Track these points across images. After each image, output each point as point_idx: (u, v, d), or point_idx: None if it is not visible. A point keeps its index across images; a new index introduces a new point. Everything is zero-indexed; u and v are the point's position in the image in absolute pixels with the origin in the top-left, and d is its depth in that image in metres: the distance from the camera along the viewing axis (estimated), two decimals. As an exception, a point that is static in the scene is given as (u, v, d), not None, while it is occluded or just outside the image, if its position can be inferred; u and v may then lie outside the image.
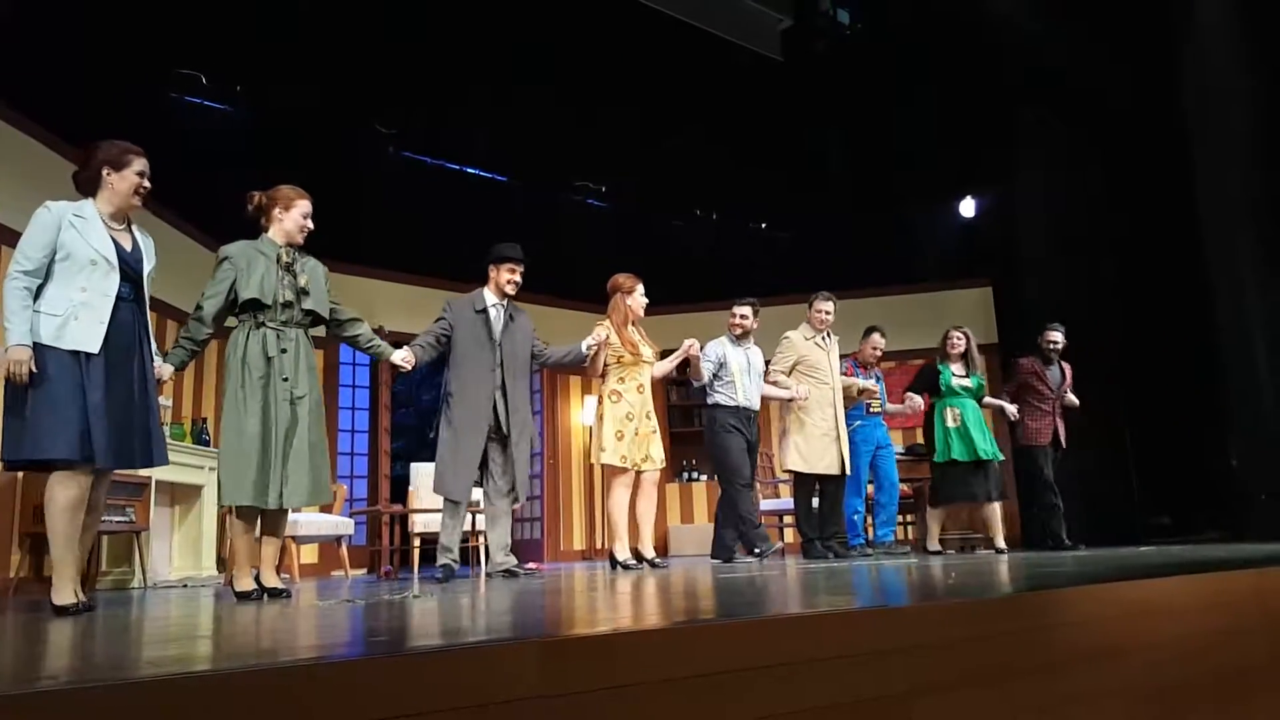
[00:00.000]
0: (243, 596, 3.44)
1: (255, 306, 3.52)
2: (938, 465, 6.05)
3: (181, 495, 6.08)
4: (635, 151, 8.46)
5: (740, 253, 9.64)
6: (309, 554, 7.34)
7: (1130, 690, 2.37)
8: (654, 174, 8.85)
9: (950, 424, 6.01)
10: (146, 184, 3.15)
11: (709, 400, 5.61)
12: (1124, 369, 7.34)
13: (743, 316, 5.70)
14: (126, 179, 3.10)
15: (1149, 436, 7.36)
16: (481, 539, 6.47)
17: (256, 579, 3.58)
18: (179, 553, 6.03)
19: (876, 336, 6.25)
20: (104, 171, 3.09)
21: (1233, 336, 6.57)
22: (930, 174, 8.76)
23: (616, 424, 4.98)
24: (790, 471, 5.73)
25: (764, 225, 10.01)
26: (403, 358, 4.10)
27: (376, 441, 8.13)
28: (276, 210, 3.66)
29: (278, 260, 3.59)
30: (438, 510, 6.36)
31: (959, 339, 6.26)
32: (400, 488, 7.34)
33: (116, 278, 3.03)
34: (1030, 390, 6.36)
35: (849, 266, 8.66)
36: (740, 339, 5.71)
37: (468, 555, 6.72)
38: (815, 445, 5.61)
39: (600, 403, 5.11)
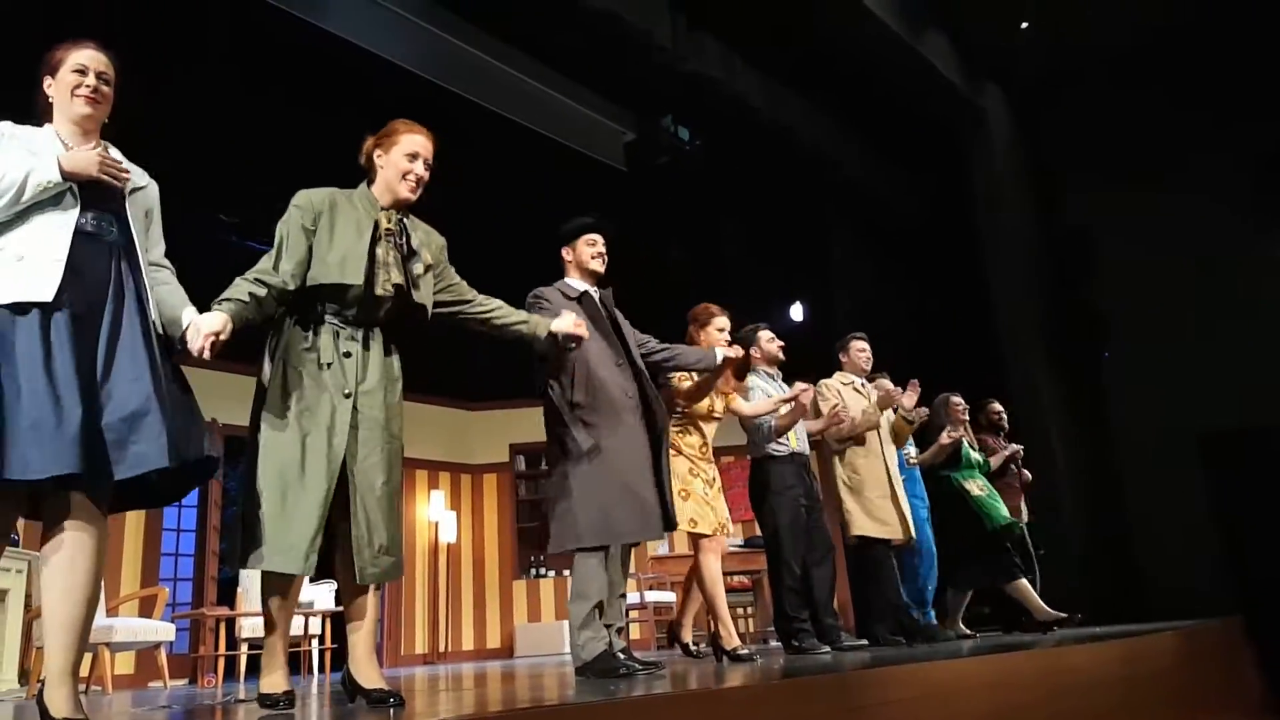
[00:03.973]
0: (268, 702, 2.38)
1: (327, 292, 2.46)
2: (989, 536, 5.34)
3: (-21, 601, 5.60)
4: (484, 249, 8.62)
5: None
6: (124, 663, 6.83)
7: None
8: (502, 271, 9.01)
9: (978, 492, 5.46)
10: (89, 80, 2.25)
11: (756, 454, 4.56)
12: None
13: (773, 339, 4.76)
14: (63, 81, 2.26)
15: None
16: (315, 643, 6.22)
17: (347, 680, 2.50)
18: (-26, 665, 5.52)
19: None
20: (44, 81, 2.29)
21: (1031, 436, 7.24)
22: (764, 280, 9.32)
23: (680, 481, 3.96)
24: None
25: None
26: (575, 322, 2.93)
27: (204, 541, 7.72)
28: (377, 154, 2.62)
29: (375, 228, 2.51)
30: (269, 613, 6.11)
31: (962, 405, 5.70)
32: (228, 590, 6.97)
33: (75, 202, 2.15)
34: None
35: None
36: (772, 369, 4.74)
37: (300, 661, 6.41)
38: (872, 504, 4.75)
39: None
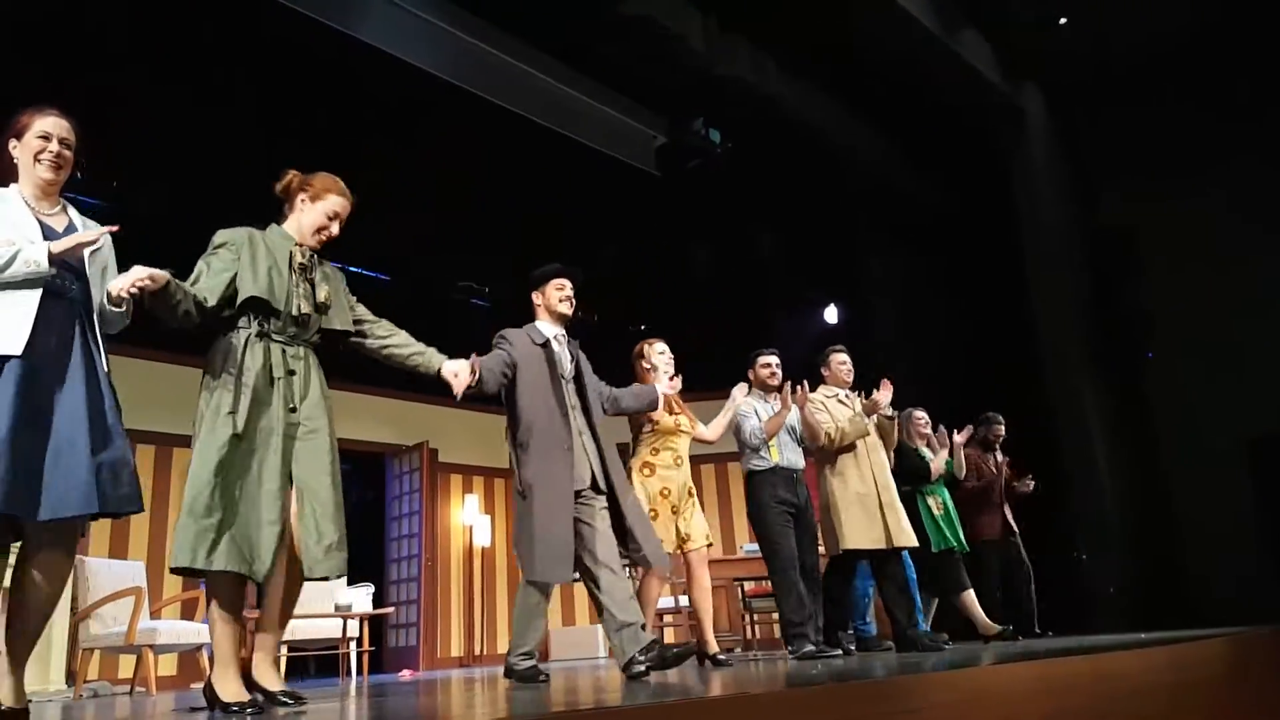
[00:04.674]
0: (231, 709, 2.49)
1: (258, 309, 2.70)
2: (930, 556, 5.55)
3: (27, 604, 5.72)
4: (517, 254, 8.66)
5: (621, 353, 9.87)
6: (166, 665, 6.94)
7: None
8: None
9: (936, 511, 5.68)
10: (52, 146, 2.52)
11: (745, 468, 4.89)
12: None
13: (768, 364, 5.03)
14: (28, 146, 2.52)
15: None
16: (352, 645, 6.28)
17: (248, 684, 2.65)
18: (22, 666, 5.63)
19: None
20: (10, 147, 2.55)
21: (1073, 439, 7.14)
22: (797, 283, 9.28)
23: (650, 501, 4.33)
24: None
25: (643, 327, 10.31)
26: (457, 370, 3.08)
27: (245, 545, 7.83)
28: (301, 198, 2.91)
29: (290, 259, 2.81)
30: (308, 615, 6.16)
31: (926, 419, 5.94)
32: (268, 593, 7.06)
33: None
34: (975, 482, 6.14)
35: (723, 368, 8.98)
36: (768, 393, 4.99)
37: (338, 663, 6.48)
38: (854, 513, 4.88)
39: (629, 477, 4.39)
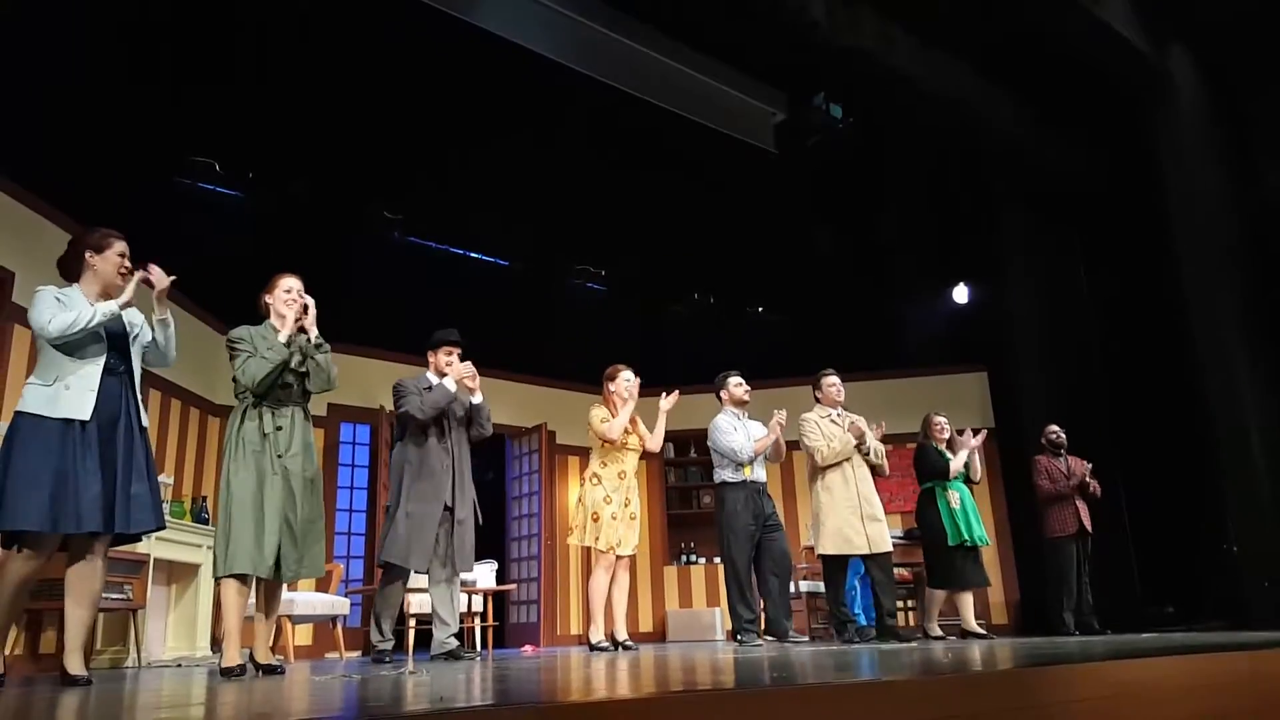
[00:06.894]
0: (229, 673, 3.36)
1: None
2: (947, 549, 5.89)
3: (179, 574, 6.07)
4: (634, 236, 8.68)
5: (737, 336, 9.78)
6: (303, 634, 7.27)
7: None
8: (653, 259, 9.05)
9: (953, 506, 5.95)
10: (128, 264, 3.38)
11: (716, 478, 5.49)
12: (1120, 455, 7.39)
13: (740, 385, 5.64)
14: (109, 260, 3.35)
15: (1149, 523, 7.37)
16: (476, 620, 6.43)
17: (250, 657, 3.59)
18: (173, 632, 5.98)
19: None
20: (86, 255, 3.35)
21: (1226, 421, 6.66)
22: (922, 261, 8.96)
23: (593, 506, 5.12)
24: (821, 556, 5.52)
25: (760, 309, 10.18)
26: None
27: (374, 521, 8.12)
28: (267, 300, 3.85)
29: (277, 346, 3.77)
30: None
31: (944, 423, 6.26)
32: (397, 568, 7.29)
33: (104, 349, 3.25)
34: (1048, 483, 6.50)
35: (844, 350, 8.78)
36: (741, 408, 5.62)
37: (463, 637, 6.64)
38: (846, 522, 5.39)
39: (582, 484, 5.30)
